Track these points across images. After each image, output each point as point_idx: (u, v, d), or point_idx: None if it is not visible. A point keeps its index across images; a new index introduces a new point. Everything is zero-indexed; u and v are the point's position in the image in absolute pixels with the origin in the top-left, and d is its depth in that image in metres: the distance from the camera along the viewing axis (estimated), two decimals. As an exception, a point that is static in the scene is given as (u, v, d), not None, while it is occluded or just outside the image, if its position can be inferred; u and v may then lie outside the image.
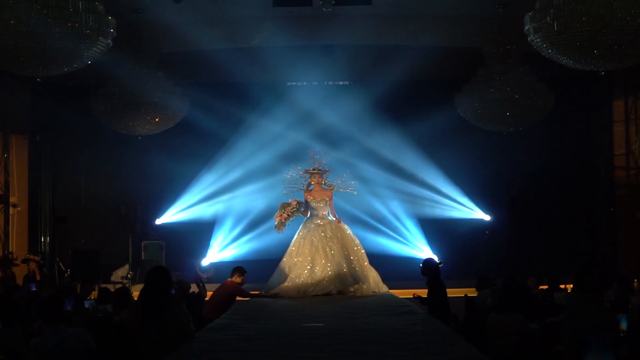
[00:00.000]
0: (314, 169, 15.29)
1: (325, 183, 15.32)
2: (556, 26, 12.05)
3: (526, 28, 12.67)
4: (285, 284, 14.31)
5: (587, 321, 8.38)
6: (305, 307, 12.35)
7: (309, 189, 15.26)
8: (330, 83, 21.67)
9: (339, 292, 14.04)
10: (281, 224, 15.10)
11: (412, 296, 12.94)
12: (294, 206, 15.11)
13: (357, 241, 14.95)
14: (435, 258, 20.20)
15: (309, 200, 15.11)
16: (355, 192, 15.73)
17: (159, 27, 17.89)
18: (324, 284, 14.08)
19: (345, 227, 15.03)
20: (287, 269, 14.59)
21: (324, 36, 19.29)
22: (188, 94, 18.65)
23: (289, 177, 15.47)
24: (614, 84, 20.96)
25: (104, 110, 17.92)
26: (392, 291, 14.84)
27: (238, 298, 13.63)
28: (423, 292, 12.87)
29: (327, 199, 15.10)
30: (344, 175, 15.57)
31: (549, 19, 12.09)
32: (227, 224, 21.60)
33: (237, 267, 13.91)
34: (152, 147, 20.45)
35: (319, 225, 14.85)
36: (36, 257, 18.74)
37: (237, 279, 13.64)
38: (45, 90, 20.59)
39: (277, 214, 15.21)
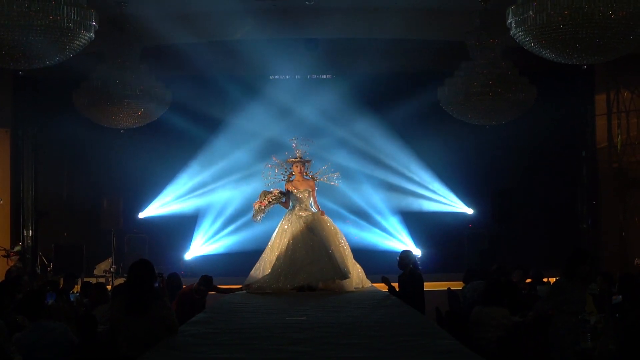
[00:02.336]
0: (296, 158, 14.94)
1: (307, 173, 14.96)
2: (538, 20, 12.07)
3: (509, 22, 12.68)
4: (266, 276, 13.97)
5: (573, 307, 8.45)
6: (288, 301, 12.36)
7: (291, 179, 14.87)
8: (313, 76, 21.65)
9: (319, 284, 13.66)
10: (260, 212, 14.56)
11: (382, 279, 13.03)
12: (276, 194, 14.59)
13: (341, 235, 14.62)
14: (419, 252, 20.44)
15: (291, 191, 14.74)
16: (337, 185, 15.45)
17: (141, 20, 17.81)
18: (303, 276, 13.66)
19: (328, 219, 14.68)
20: (267, 263, 14.26)
21: (307, 29, 19.28)
22: (170, 88, 18.59)
23: (270, 167, 15.09)
24: (597, 78, 21.03)
25: (87, 104, 17.84)
26: (374, 284, 14.81)
27: (211, 293, 13.51)
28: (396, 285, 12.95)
29: (310, 190, 14.74)
30: (327, 165, 15.29)
31: (532, 12, 12.10)
32: (210, 217, 21.59)
33: (202, 276, 13.38)
34: (135, 140, 20.43)
35: (300, 217, 14.43)
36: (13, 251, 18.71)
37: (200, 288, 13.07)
38: (27, 83, 20.49)
39: (256, 201, 14.69)
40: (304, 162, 14.95)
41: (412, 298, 12.15)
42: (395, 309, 11.04)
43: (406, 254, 13.20)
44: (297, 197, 14.69)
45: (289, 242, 14.14)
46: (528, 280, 14.30)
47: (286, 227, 14.45)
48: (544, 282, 14.00)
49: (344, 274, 13.77)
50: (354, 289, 13.97)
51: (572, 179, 22.09)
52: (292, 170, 14.93)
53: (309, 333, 8.67)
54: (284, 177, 14.98)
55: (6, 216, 20.68)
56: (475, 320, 9.37)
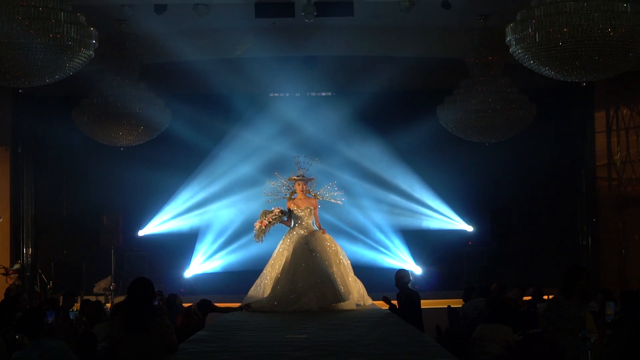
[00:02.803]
0: (298, 176, 14.65)
1: (309, 192, 14.71)
2: (538, 37, 12.10)
3: (508, 39, 12.71)
4: (265, 297, 13.74)
5: (570, 325, 8.42)
6: (288, 319, 12.31)
7: (293, 197, 14.60)
8: (313, 94, 21.67)
9: (320, 308, 13.38)
10: (261, 232, 14.33)
11: (382, 298, 12.92)
12: (277, 213, 14.37)
13: (342, 253, 14.35)
14: (419, 270, 20.41)
15: (292, 209, 14.46)
16: (340, 203, 15.18)
17: (141, 38, 17.87)
18: (304, 300, 13.42)
19: (329, 237, 14.38)
20: (267, 282, 13.98)
21: (307, 47, 19.31)
22: (170, 105, 18.62)
23: (272, 185, 14.85)
24: (596, 95, 21.04)
25: (86, 121, 17.86)
26: (375, 302, 14.69)
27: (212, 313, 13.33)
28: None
29: (312, 208, 14.46)
30: (332, 183, 15.05)
31: (531, 30, 12.13)
32: (210, 235, 21.53)
33: (200, 300, 13.08)
34: (135, 158, 20.39)
35: (301, 235, 14.14)
36: (12, 269, 18.74)
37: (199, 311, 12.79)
38: (27, 101, 20.49)
39: (257, 221, 14.48)
40: (306, 180, 14.70)
41: (410, 317, 12.03)
42: (395, 327, 11.01)
43: (402, 273, 13.07)
44: (298, 215, 14.46)
45: (289, 262, 13.88)
46: (526, 298, 14.27)
47: (287, 246, 14.19)
48: (544, 299, 13.95)
49: (344, 298, 13.55)
50: (355, 307, 13.79)
51: (572, 196, 22.05)
52: (294, 188, 14.73)
53: (309, 351, 8.64)
54: (285, 195, 14.75)
55: (6, 234, 20.66)
56: (479, 337, 9.35)
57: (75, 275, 20.17)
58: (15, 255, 20.61)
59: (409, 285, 13.16)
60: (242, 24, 17.92)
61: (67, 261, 20.94)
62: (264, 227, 14.38)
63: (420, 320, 12.34)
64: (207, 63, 19.52)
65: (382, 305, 13.65)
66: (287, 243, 14.27)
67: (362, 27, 17.99)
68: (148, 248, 21.35)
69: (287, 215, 14.61)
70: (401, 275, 12.97)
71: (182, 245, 21.48)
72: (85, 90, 17.96)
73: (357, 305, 14.01)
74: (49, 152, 21.73)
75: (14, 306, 12.56)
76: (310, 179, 14.83)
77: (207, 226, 21.66)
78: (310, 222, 14.49)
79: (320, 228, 14.55)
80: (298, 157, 14.92)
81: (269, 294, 13.76)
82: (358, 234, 21.16)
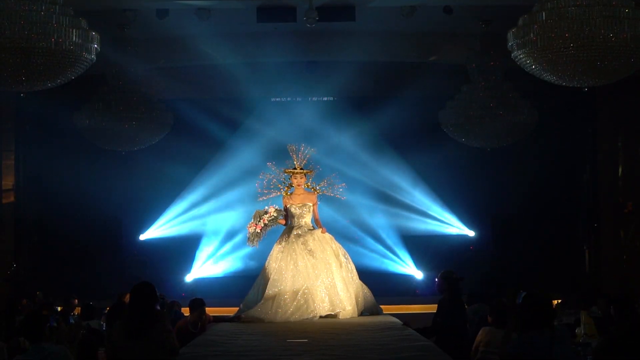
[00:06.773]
0: (294, 168, 13.31)
1: (308, 185, 13.39)
2: (539, 43, 12.10)
3: (509, 44, 12.70)
4: (260, 306, 12.48)
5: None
6: (289, 323, 12.24)
7: (289, 192, 13.30)
8: (315, 99, 21.64)
9: (321, 315, 12.37)
10: (255, 236, 12.94)
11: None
12: (272, 213, 12.94)
13: (345, 254, 13.11)
14: (420, 275, 20.37)
15: (288, 206, 13.17)
16: (344, 198, 13.87)
17: (143, 42, 17.90)
18: (303, 309, 12.35)
19: (331, 237, 13.13)
20: (263, 288, 12.67)
21: (308, 52, 19.34)
22: (171, 110, 18.63)
23: (265, 179, 13.42)
24: (599, 101, 21.00)
25: (88, 126, 17.90)
26: (382, 306, 14.22)
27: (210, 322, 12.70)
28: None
29: (311, 204, 13.15)
30: (333, 174, 13.81)
31: (532, 35, 12.13)
32: (212, 239, 21.50)
33: (190, 302, 12.46)
34: (136, 162, 20.41)
35: (299, 235, 12.92)
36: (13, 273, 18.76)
37: (193, 317, 12.20)
38: (28, 105, 20.46)
39: (250, 223, 13.04)
40: (304, 172, 13.41)
41: (452, 332, 10.89)
42: (397, 332, 10.97)
43: (445, 275, 11.67)
44: (295, 213, 13.17)
45: (285, 266, 12.70)
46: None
47: (283, 247, 12.93)
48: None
49: (346, 304, 12.61)
50: (358, 315, 12.76)
51: (574, 202, 22.02)
52: (290, 182, 13.45)
53: (310, 355, 8.63)
54: (281, 190, 13.48)
55: (9, 239, 20.65)
56: (485, 342, 9.32)
57: (75, 279, 20.13)
58: (16, 259, 20.60)
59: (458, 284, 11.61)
60: (243, 28, 17.95)
61: (68, 266, 20.89)
62: (259, 231, 13.02)
63: (462, 338, 10.83)
64: (208, 67, 19.55)
65: (383, 309, 13.50)
66: (283, 245, 13.02)
67: (363, 32, 18.00)
68: (149, 252, 21.33)
69: (284, 214, 13.31)
70: (444, 276, 11.60)
71: (183, 249, 21.45)
72: (87, 94, 17.97)
73: (364, 314, 13.01)
74: (51, 156, 21.60)
75: (15, 311, 12.59)
76: (309, 171, 13.53)
77: (208, 230, 21.62)
78: (308, 220, 13.25)
79: (320, 227, 13.26)
80: (294, 146, 13.52)
81: (263, 303, 12.57)
82: (358, 238, 21.11)
